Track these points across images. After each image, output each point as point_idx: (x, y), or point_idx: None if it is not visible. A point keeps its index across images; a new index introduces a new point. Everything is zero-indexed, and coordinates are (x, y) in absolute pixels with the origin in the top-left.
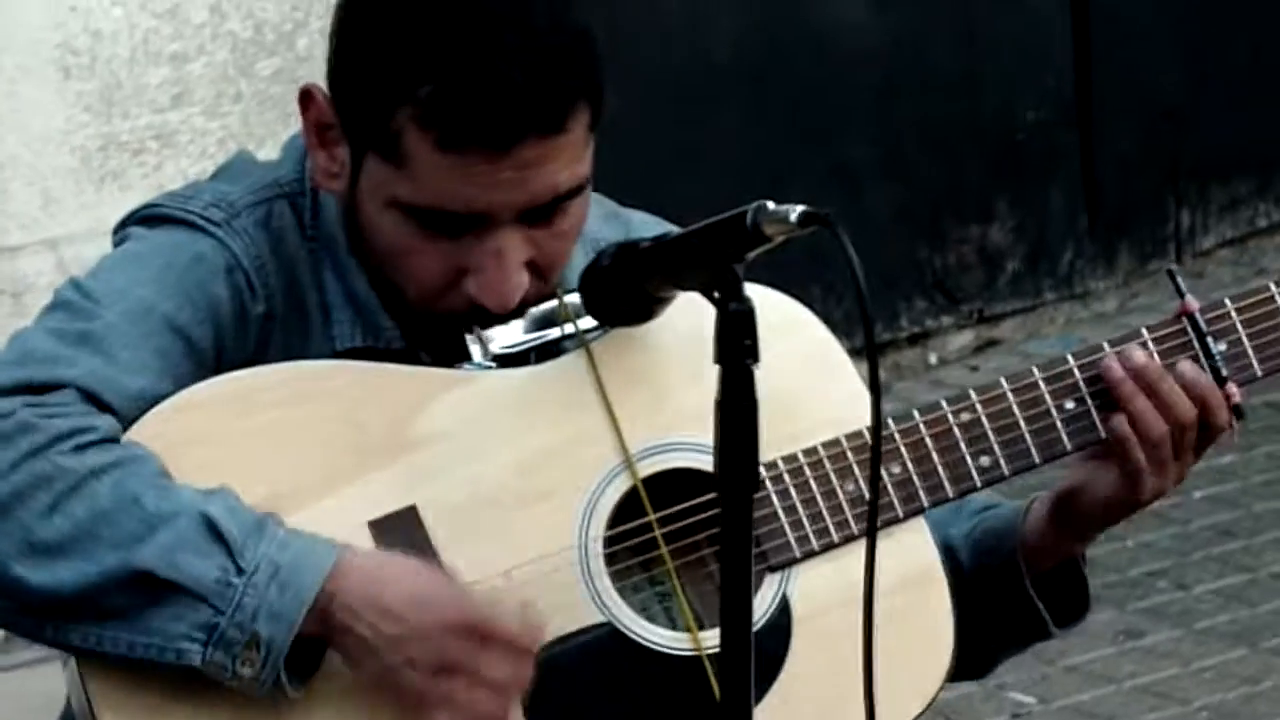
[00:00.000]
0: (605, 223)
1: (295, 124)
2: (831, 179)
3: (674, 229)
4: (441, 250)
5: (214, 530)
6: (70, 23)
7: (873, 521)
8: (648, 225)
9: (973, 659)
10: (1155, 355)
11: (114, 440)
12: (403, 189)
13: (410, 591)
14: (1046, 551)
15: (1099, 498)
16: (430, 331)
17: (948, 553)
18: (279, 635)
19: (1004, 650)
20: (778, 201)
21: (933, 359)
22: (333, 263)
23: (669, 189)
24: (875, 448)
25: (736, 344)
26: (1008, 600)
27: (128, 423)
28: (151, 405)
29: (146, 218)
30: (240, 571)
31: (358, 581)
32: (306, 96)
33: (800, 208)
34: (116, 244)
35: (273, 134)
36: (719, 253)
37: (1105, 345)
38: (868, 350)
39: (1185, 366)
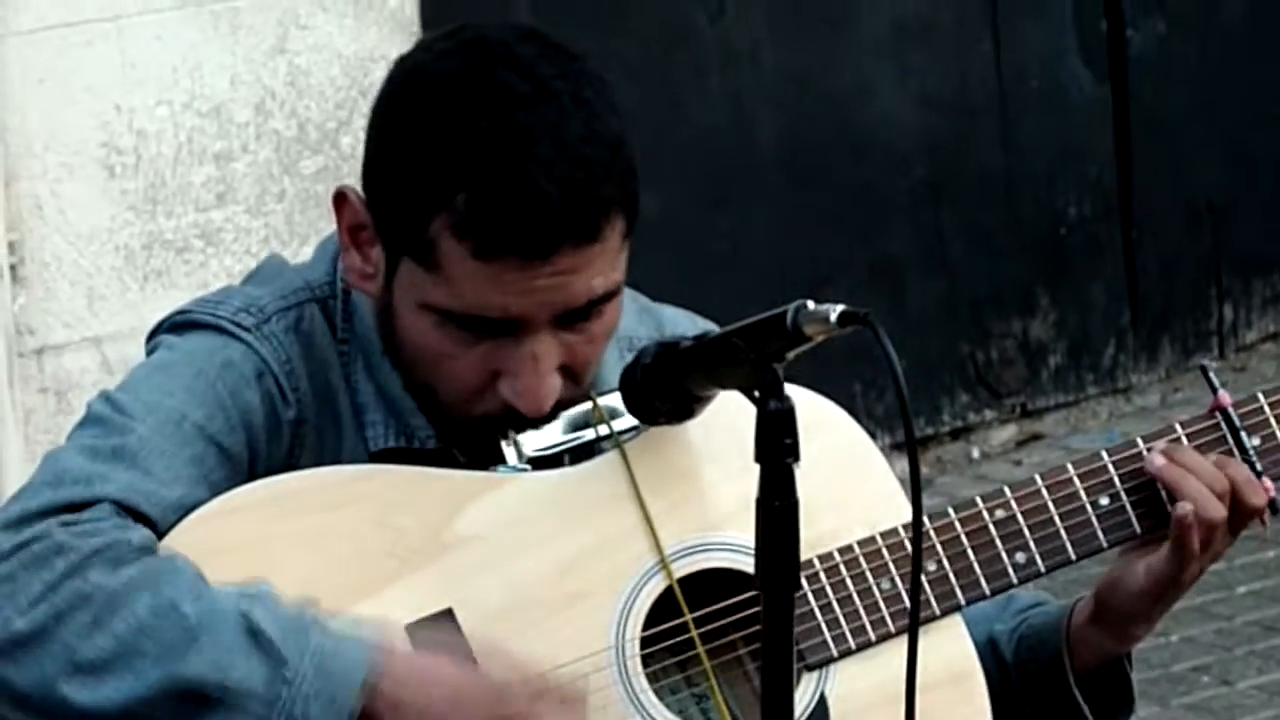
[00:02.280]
0: (637, 319)
1: None
2: (874, 275)
3: (705, 323)
4: (476, 354)
5: (254, 630)
6: (115, 122)
7: (914, 618)
8: (678, 320)
9: None
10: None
11: (149, 551)
12: (437, 294)
13: (457, 668)
14: (1091, 650)
15: (1136, 589)
16: (464, 432)
17: (992, 649)
18: None
19: None
20: (820, 298)
21: (975, 453)
22: (366, 364)
23: (711, 287)
24: (916, 542)
25: (777, 443)
26: (1051, 699)
27: (165, 532)
28: (188, 514)
29: (177, 324)
30: (285, 665)
31: (403, 661)
32: (341, 198)
33: (840, 307)
34: (149, 352)
35: (316, 231)
36: (759, 352)
37: (1139, 441)
38: (908, 447)
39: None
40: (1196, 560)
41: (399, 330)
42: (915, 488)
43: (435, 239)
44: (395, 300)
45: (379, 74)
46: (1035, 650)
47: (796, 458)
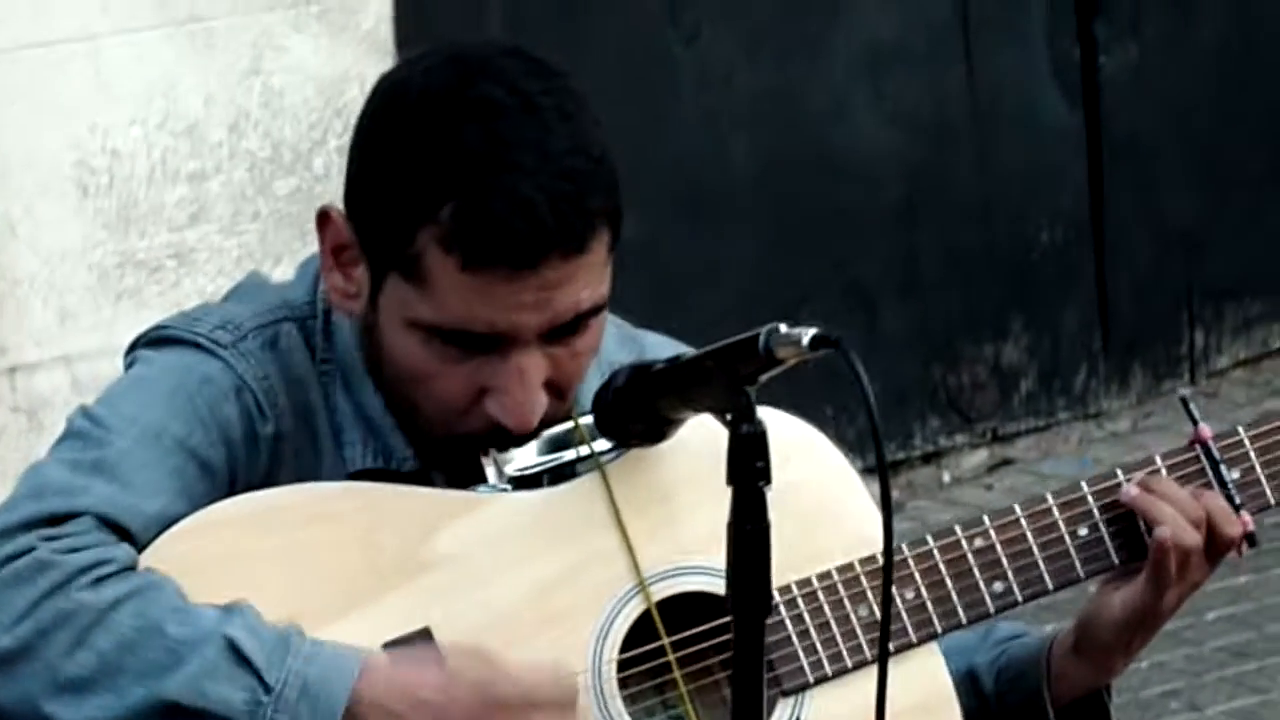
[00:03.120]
0: (620, 345)
1: (312, 243)
2: (848, 298)
3: (689, 351)
4: (462, 371)
5: (238, 653)
6: (88, 141)
7: (884, 643)
8: (662, 347)
9: None
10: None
11: (133, 568)
12: (424, 310)
13: (442, 676)
14: (1071, 682)
15: (1113, 621)
16: (444, 453)
17: (971, 681)
18: None
19: None
20: (795, 320)
21: (946, 478)
22: (345, 384)
23: (686, 309)
24: (887, 567)
25: (748, 466)
26: None
27: (145, 545)
28: (169, 526)
29: (155, 340)
30: (268, 690)
31: (384, 680)
32: (324, 218)
33: (812, 331)
34: (127, 367)
35: (290, 252)
36: (731, 375)
37: (1119, 471)
38: (879, 471)
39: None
40: (1172, 588)
41: (384, 349)
42: (886, 512)
43: (422, 252)
44: (380, 319)
45: (354, 95)
46: (1014, 682)
47: (768, 481)
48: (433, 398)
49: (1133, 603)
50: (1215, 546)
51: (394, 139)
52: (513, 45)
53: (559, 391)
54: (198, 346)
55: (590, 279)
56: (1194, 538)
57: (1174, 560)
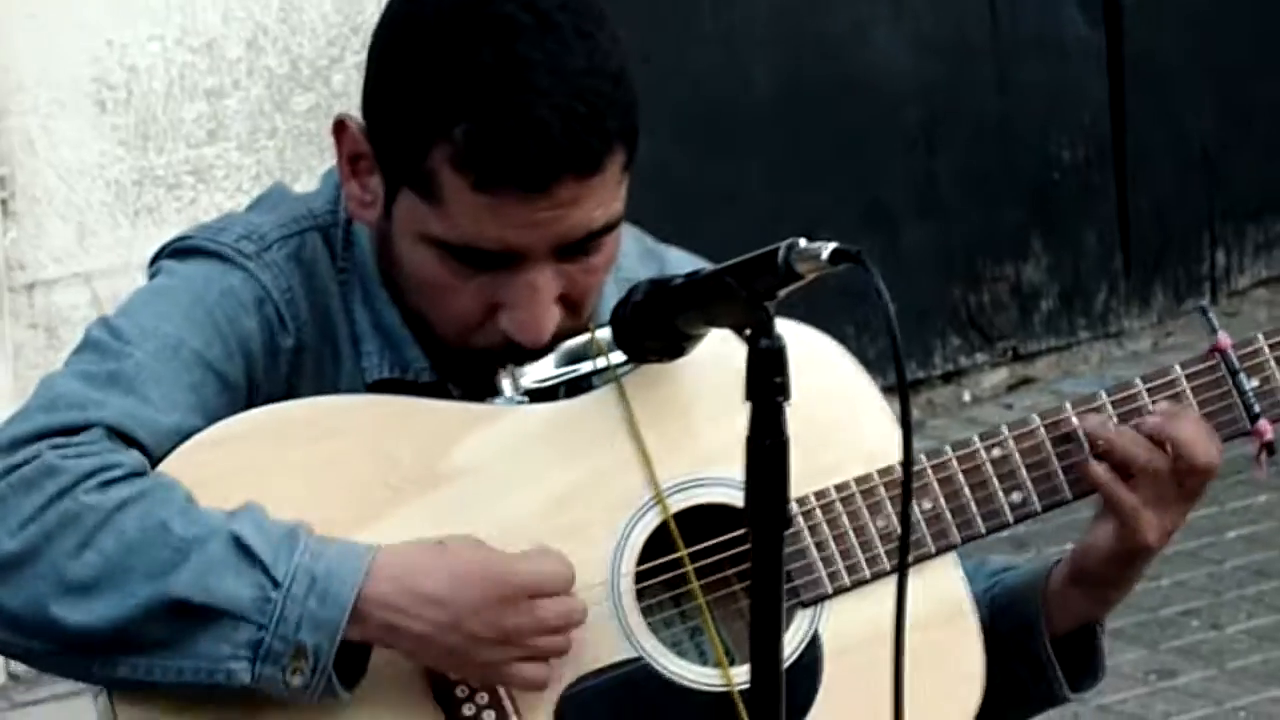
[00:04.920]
0: (641, 260)
1: (330, 159)
2: (867, 218)
3: (709, 267)
4: (474, 285)
5: (244, 548)
6: (106, 57)
7: (904, 555)
8: (683, 262)
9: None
10: (1189, 391)
11: (141, 473)
12: (437, 226)
13: (448, 573)
14: (1067, 613)
15: (1105, 553)
16: (461, 364)
17: None
18: (324, 642)
19: (1014, 711)
20: (813, 240)
21: (967, 397)
22: (364, 294)
23: (706, 228)
24: (906, 484)
25: (767, 381)
26: (1022, 660)
27: (159, 459)
28: (184, 441)
29: (178, 250)
30: (276, 585)
31: (395, 578)
32: (340, 127)
33: (832, 245)
34: (150, 277)
35: (308, 169)
36: (751, 290)
37: (1138, 380)
38: (899, 387)
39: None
40: (1150, 520)
41: (398, 260)
42: (906, 429)
43: (435, 170)
44: (394, 231)
45: (372, 11)
46: (1007, 610)
47: (787, 396)
48: (446, 311)
49: (1120, 535)
50: (1188, 472)
51: (410, 54)
52: None
53: (573, 306)
54: (221, 257)
55: (604, 198)
56: (1144, 455)
57: (1121, 486)
